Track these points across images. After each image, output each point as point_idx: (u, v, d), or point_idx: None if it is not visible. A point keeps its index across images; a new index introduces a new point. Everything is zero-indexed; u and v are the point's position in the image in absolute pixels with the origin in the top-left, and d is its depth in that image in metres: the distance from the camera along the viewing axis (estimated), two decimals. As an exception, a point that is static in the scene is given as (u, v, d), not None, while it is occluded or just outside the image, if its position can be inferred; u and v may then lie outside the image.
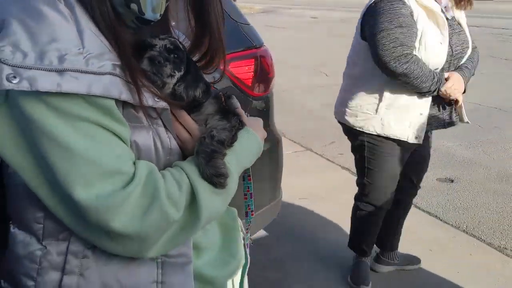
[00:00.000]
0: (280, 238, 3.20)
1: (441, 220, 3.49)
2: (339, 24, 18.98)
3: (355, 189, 4.06)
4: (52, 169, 0.75)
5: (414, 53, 2.19)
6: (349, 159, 4.66)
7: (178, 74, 0.89)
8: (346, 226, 3.36)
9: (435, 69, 2.24)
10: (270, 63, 2.25)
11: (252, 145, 1.00)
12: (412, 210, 3.60)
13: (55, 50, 0.72)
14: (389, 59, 2.15)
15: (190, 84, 0.91)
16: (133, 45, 0.88)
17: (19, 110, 0.75)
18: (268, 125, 2.31)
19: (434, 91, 2.24)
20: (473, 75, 2.39)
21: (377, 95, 2.35)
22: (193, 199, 0.86)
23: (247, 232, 1.20)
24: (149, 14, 0.87)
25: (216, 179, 0.87)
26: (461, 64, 2.33)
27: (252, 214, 1.19)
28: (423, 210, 3.63)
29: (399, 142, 2.40)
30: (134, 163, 0.81)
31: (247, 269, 1.18)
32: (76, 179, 0.75)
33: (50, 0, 0.76)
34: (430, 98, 2.29)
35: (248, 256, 1.19)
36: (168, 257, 0.90)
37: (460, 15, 2.34)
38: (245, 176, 1.16)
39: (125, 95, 0.78)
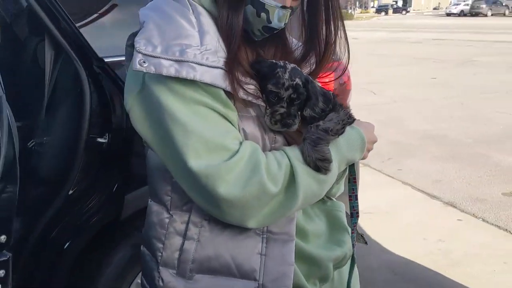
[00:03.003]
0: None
1: (511, 233, 3.42)
2: (380, 44, 18.97)
3: (419, 204, 4.09)
4: (173, 142, 0.91)
5: None
6: (410, 175, 4.68)
7: (299, 113, 1.01)
8: (415, 240, 3.38)
9: None
10: (348, 77, 2.32)
11: (356, 141, 1.06)
12: (480, 224, 3.61)
13: (178, 46, 0.90)
14: None
15: (313, 105, 1.01)
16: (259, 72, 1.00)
17: (150, 93, 0.93)
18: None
19: None
20: None
21: None
22: (292, 179, 0.95)
23: (353, 232, 1.25)
24: (275, 23, 1.00)
25: (321, 163, 0.95)
26: None
27: (357, 216, 1.23)
28: (492, 224, 3.57)
29: None
30: (241, 143, 0.93)
31: (355, 267, 1.24)
32: (189, 151, 0.90)
33: (181, 8, 0.96)
34: None
35: (355, 254, 1.23)
36: (273, 233, 1.01)
37: None
38: (350, 179, 1.21)
39: (230, 87, 0.93)
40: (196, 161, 0.89)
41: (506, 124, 6.36)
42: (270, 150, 0.99)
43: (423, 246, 3.30)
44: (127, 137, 1.70)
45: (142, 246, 1.13)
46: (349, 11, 54.71)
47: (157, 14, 0.95)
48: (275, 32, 1.03)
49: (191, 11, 0.96)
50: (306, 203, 1.00)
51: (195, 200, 0.96)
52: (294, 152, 0.97)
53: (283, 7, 0.99)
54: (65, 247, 1.71)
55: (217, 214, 0.96)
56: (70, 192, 1.74)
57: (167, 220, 1.03)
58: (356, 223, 1.23)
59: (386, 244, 3.32)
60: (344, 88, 2.31)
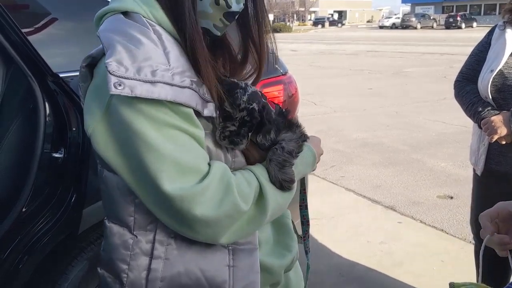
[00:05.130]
0: (300, 256, 3.33)
1: (447, 233, 3.67)
2: (318, 56, 19.59)
3: (362, 209, 4.29)
4: (144, 166, 0.91)
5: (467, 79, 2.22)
6: (352, 181, 4.89)
7: (250, 134, 1.03)
8: (360, 243, 3.54)
9: (485, 98, 2.11)
10: (295, 88, 2.45)
11: (308, 158, 1.16)
12: (419, 226, 3.84)
13: (149, 66, 0.90)
14: None
15: (265, 133, 1.04)
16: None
17: (118, 117, 0.92)
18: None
19: (478, 123, 2.13)
20: None
21: None
22: (260, 196, 1.01)
23: (304, 240, 1.34)
24: (235, 6, 1.04)
25: (286, 183, 1.04)
26: None
27: (308, 224, 1.33)
28: (429, 225, 3.82)
29: (475, 171, 2.29)
30: (209, 164, 0.97)
31: (308, 273, 1.33)
32: (163, 175, 0.90)
33: (143, 29, 0.95)
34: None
35: (309, 261, 1.33)
36: (238, 244, 1.05)
37: None
38: (300, 190, 1.31)
39: (199, 106, 0.95)
40: (171, 185, 0.90)
41: (437, 131, 6.80)
42: (232, 164, 1.04)
43: (367, 248, 3.47)
44: (83, 151, 1.71)
45: (99, 268, 1.11)
46: (287, 23, 55.99)
47: (121, 36, 0.92)
48: (236, 18, 1.07)
49: (151, 31, 0.96)
50: (273, 218, 1.07)
51: (165, 222, 0.98)
52: (261, 171, 1.03)
53: None
54: (19, 266, 1.68)
55: (188, 234, 0.98)
56: (24, 209, 1.71)
57: (131, 241, 1.02)
58: (307, 230, 1.31)
59: (333, 247, 3.47)
60: (293, 100, 2.43)
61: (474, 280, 2.46)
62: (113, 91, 0.86)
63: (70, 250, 1.84)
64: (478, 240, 2.36)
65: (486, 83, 2.07)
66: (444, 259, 3.26)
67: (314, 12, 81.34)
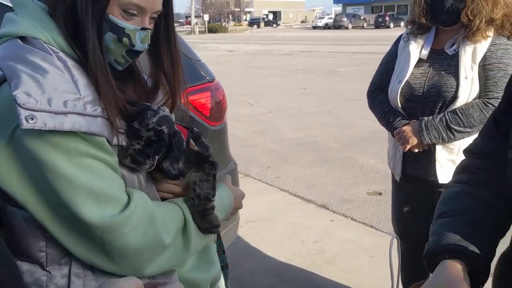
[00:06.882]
0: (235, 260, 3.35)
1: (376, 229, 3.82)
2: (254, 57, 19.76)
3: (296, 208, 4.38)
4: (58, 198, 0.88)
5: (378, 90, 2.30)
6: (287, 181, 4.98)
7: (157, 158, 1.00)
8: (294, 243, 3.62)
9: (396, 107, 2.17)
10: (223, 95, 2.46)
11: (226, 202, 1.16)
12: (350, 223, 3.98)
13: (59, 97, 0.87)
14: None
15: (173, 160, 1.01)
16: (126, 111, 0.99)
17: (24, 149, 0.88)
18: (225, 151, 2.50)
19: (391, 132, 2.19)
20: (453, 134, 1.99)
21: None
22: (184, 234, 1.04)
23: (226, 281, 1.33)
24: (138, 45, 1.02)
25: (211, 230, 1.08)
26: (438, 117, 2.01)
27: (227, 267, 1.33)
28: (360, 222, 3.96)
29: (393, 175, 2.36)
30: (127, 192, 0.96)
31: None
32: (81, 205, 0.88)
33: (46, 56, 0.92)
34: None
35: None
36: None
37: (476, 53, 1.96)
38: (217, 235, 1.32)
39: (110, 136, 0.93)
40: (90, 214, 0.89)
41: (367, 128, 7.05)
42: (145, 190, 1.02)
43: (301, 248, 3.55)
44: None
45: None
46: (223, 24, 55.98)
47: (25, 65, 0.88)
48: (139, 55, 1.05)
49: (56, 57, 0.93)
50: (195, 253, 1.10)
51: (80, 255, 0.95)
52: (187, 208, 1.05)
53: (143, 28, 1.01)
54: None
55: (106, 267, 0.96)
56: None
57: (44, 278, 0.97)
58: (228, 273, 1.32)
59: (268, 249, 3.52)
60: (221, 106, 2.44)
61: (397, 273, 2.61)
62: (25, 125, 0.81)
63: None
64: (400, 238, 2.48)
65: (395, 94, 2.13)
66: (373, 254, 3.40)
67: (249, 12, 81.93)
